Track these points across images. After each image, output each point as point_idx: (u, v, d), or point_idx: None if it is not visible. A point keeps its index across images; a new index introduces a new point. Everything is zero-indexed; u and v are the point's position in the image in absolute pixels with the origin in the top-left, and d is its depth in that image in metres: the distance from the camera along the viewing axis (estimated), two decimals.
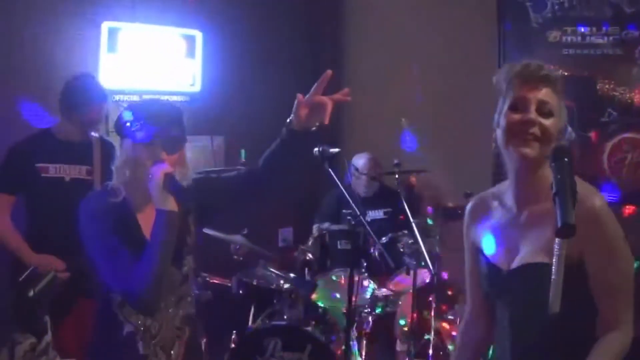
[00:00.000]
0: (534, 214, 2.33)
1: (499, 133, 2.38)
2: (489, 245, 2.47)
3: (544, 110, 2.28)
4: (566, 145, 2.19)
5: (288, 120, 2.93)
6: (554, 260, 1.95)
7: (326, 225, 5.60)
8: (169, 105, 3.03)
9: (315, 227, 5.78)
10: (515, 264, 2.34)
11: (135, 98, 5.41)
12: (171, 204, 2.75)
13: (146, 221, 2.81)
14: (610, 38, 5.50)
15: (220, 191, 3.02)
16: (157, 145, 2.78)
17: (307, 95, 2.91)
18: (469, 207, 2.67)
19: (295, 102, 2.90)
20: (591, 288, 2.25)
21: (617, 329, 2.24)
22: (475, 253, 2.57)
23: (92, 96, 4.41)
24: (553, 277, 1.94)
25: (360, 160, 6.03)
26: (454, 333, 5.36)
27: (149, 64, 5.38)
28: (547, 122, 2.27)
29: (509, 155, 2.35)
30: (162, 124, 2.79)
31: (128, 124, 2.80)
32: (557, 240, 1.94)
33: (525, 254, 2.32)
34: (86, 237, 2.78)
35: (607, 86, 5.65)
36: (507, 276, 2.37)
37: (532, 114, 2.27)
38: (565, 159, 2.05)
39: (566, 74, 5.70)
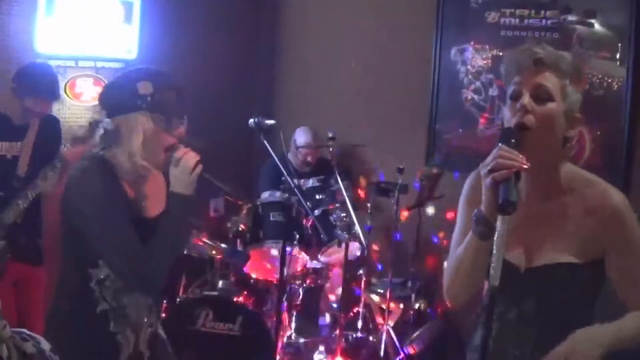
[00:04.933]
0: (548, 210, 2.26)
1: (504, 122, 2.26)
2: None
3: (540, 95, 2.17)
4: (513, 128, 2.15)
5: None
6: (496, 237, 1.99)
7: (268, 193, 5.60)
8: (174, 77, 2.77)
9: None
10: (536, 263, 2.25)
11: (71, 63, 5.34)
12: (191, 190, 2.68)
13: (150, 202, 2.74)
14: (549, 22, 5.55)
15: None
16: (176, 121, 2.66)
17: None
18: (474, 180, 2.42)
19: None
20: (615, 281, 2.24)
21: None
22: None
23: (40, 89, 4.29)
24: (494, 251, 1.98)
25: (301, 138, 6.04)
26: (383, 306, 5.45)
27: (86, 29, 5.29)
28: (542, 108, 2.16)
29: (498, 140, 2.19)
30: (182, 98, 2.66)
31: (149, 97, 2.59)
32: (499, 217, 2.00)
33: (547, 253, 2.24)
34: (78, 210, 2.62)
35: None
36: (526, 275, 2.27)
37: (525, 100, 2.16)
38: (512, 140, 2.10)
39: (500, 54, 5.77)
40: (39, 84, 4.30)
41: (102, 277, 2.67)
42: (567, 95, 2.20)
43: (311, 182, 5.41)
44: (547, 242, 2.25)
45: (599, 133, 5.33)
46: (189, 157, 2.65)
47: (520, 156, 2.03)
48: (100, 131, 2.67)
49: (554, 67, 2.20)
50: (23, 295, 4.36)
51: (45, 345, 2.08)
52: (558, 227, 2.24)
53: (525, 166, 2.03)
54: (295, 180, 4.88)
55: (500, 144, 2.08)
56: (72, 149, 4.26)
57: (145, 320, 2.82)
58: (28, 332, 2.09)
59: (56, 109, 5.16)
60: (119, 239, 2.59)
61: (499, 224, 2.00)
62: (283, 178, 4.83)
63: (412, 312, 5.69)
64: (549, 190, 2.25)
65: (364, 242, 5.19)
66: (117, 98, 2.66)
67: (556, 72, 2.20)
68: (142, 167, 2.66)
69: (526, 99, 2.16)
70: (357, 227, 5.11)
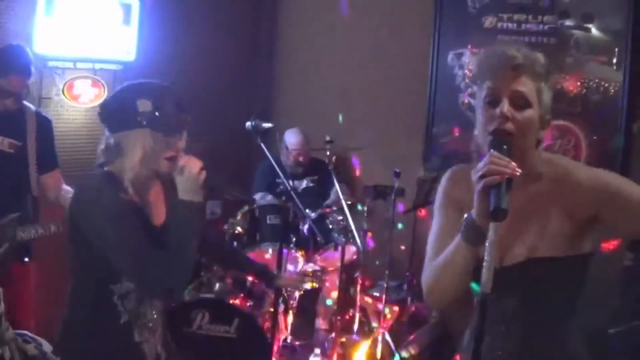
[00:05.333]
0: (521, 203, 2.21)
1: (477, 125, 2.24)
2: None
3: (518, 102, 2.15)
4: (505, 134, 2.13)
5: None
6: (487, 243, 1.98)
7: (260, 195, 5.61)
8: (175, 90, 2.85)
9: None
10: (512, 259, 2.24)
11: (70, 65, 5.32)
12: (200, 196, 2.72)
13: (155, 210, 2.81)
14: (546, 26, 5.56)
15: None
16: (176, 134, 2.73)
17: None
18: (451, 174, 2.45)
19: None
20: (628, 221, 2.18)
21: None
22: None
23: (13, 68, 4.25)
24: (486, 257, 1.97)
25: (292, 139, 6.05)
26: (378, 308, 5.46)
27: (85, 30, 5.28)
28: (521, 115, 2.15)
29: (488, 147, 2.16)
30: (182, 112, 2.73)
31: (149, 115, 2.66)
32: (490, 224, 1.98)
33: (522, 248, 2.23)
34: (93, 224, 2.65)
35: None
36: (503, 272, 2.19)
37: (505, 108, 2.13)
38: (504, 147, 2.08)
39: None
40: (15, 63, 4.26)
41: (124, 292, 2.71)
42: (542, 98, 2.20)
43: (305, 183, 5.42)
44: (519, 237, 2.23)
45: (595, 137, 5.34)
46: (192, 164, 2.69)
47: (512, 163, 2.02)
48: (102, 146, 2.76)
49: (530, 72, 2.18)
50: (12, 292, 4.33)
51: (47, 348, 2.10)
52: (528, 220, 2.24)
53: (517, 173, 2.01)
54: (291, 182, 4.88)
55: (492, 150, 2.07)
56: None
57: (161, 321, 2.89)
58: (30, 335, 2.10)
59: (54, 111, 5.17)
60: (132, 248, 2.62)
61: (490, 230, 1.99)
62: (278, 180, 4.84)
63: (407, 316, 5.70)
64: (521, 183, 2.17)
65: (360, 245, 5.19)
66: (118, 115, 2.72)
67: (532, 76, 2.18)
68: (144, 177, 2.73)
69: (505, 107, 2.13)
70: (354, 230, 5.12)
